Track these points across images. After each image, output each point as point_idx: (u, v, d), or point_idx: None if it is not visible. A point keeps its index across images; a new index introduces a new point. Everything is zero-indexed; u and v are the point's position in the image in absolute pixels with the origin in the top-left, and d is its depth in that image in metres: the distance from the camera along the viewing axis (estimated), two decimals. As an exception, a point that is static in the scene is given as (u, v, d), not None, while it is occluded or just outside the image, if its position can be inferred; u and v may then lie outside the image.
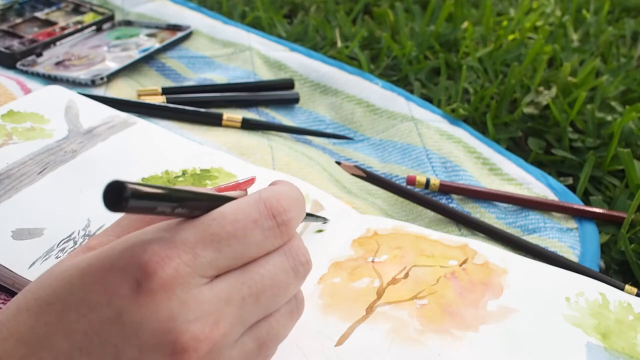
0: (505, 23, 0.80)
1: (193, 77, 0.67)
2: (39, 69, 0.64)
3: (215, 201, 0.29)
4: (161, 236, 0.27)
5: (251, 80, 0.66)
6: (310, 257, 0.31)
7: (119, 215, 0.32)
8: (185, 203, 0.26)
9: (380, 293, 0.39)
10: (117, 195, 0.22)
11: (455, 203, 0.52)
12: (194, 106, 0.60)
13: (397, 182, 0.53)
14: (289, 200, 0.30)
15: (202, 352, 0.26)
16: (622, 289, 0.42)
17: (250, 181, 0.35)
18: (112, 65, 0.65)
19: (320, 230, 0.44)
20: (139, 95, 0.62)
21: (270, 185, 0.32)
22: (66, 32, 0.70)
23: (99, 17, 0.73)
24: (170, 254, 0.26)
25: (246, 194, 0.33)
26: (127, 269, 0.26)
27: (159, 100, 0.61)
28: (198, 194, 0.28)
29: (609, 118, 0.63)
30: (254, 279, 0.28)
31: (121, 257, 0.26)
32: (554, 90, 0.66)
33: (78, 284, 0.27)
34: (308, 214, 0.43)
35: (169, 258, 0.26)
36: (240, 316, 0.28)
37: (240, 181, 0.35)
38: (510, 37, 0.77)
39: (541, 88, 0.66)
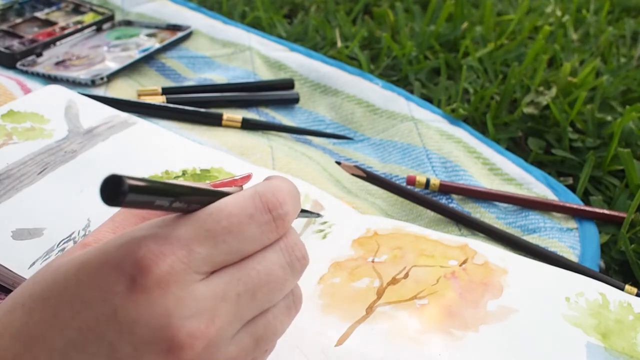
0: (504, 25, 0.80)
1: (193, 77, 0.67)
2: (39, 69, 0.64)
3: (213, 196, 0.28)
4: (156, 232, 0.26)
5: (251, 80, 0.66)
6: (308, 252, 0.31)
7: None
8: (183, 197, 0.26)
9: (380, 293, 0.39)
10: (114, 190, 0.22)
11: (455, 203, 0.52)
12: (194, 106, 0.60)
13: (397, 182, 0.53)
14: (284, 194, 0.29)
15: (198, 348, 0.26)
16: (622, 289, 0.42)
17: (247, 177, 0.35)
18: (112, 65, 0.65)
19: (320, 230, 0.44)
20: (139, 95, 0.62)
21: (265, 180, 0.31)
22: (66, 32, 0.70)
23: (99, 17, 0.73)
24: (164, 250, 0.26)
25: (242, 190, 0.33)
26: (122, 266, 0.26)
27: (159, 100, 0.61)
28: (196, 189, 0.28)
29: (609, 118, 0.63)
30: (249, 275, 0.28)
31: (116, 253, 0.26)
32: (554, 90, 0.66)
33: (73, 280, 0.26)
34: (302, 210, 0.42)
35: (164, 255, 0.26)
36: (236, 312, 0.27)
37: (236, 177, 0.35)
38: (510, 36, 0.77)
39: (541, 88, 0.66)
